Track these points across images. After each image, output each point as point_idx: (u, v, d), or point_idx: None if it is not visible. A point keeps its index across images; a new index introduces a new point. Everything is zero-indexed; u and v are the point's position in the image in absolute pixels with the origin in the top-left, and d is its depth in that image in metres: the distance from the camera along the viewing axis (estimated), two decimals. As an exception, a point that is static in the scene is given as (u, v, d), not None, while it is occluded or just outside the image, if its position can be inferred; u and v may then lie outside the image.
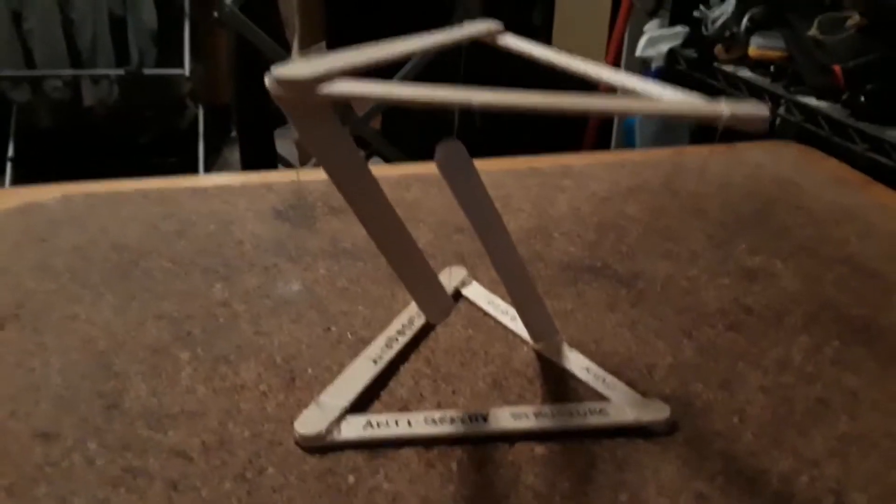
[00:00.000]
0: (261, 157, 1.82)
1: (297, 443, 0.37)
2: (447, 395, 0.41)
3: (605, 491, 0.35)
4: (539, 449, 0.38)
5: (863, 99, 1.12)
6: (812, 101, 1.22)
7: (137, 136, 2.51)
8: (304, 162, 1.87)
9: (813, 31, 1.20)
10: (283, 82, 0.28)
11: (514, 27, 0.40)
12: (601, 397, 0.41)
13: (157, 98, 2.47)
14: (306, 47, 1.64)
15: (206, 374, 0.42)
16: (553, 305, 0.50)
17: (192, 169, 2.27)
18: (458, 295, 0.51)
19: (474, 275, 0.53)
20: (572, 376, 0.43)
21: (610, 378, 0.42)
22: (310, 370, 0.43)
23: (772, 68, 1.33)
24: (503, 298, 0.49)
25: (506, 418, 0.39)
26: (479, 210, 0.39)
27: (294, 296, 0.50)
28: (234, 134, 2.42)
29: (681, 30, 1.58)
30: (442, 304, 0.40)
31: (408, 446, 0.37)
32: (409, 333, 0.46)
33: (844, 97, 1.15)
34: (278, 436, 0.38)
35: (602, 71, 0.35)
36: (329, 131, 0.32)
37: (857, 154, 1.11)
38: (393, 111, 1.87)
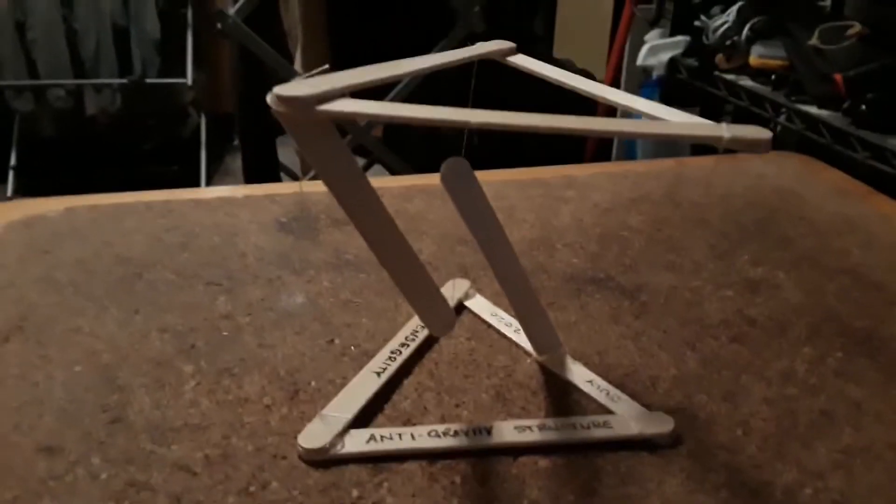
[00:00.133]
0: (263, 165, 1.83)
1: (300, 457, 0.37)
2: (451, 407, 0.41)
3: (609, 505, 0.35)
4: (543, 462, 0.38)
5: (864, 107, 1.12)
6: (813, 110, 1.22)
7: (140, 145, 2.52)
8: (306, 171, 1.88)
9: (814, 41, 1.20)
10: (284, 100, 0.29)
11: (515, 37, 0.40)
12: (605, 410, 0.41)
13: (159, 107, 2.47)
14: (309, 57, 1.65)
15: (210, 388, 0.42)
16: (556, 317, 0.50)
17: (194, 177, 2.28)
18: (461, 307, 0.51)
19: (478, 287, 0.53)
20: (576, 389, 0.43)
21: (613, 390, 0.42)
22: (313, 383, 0.43)
23: (773, 77, 1.34)
24: (506, 310, 0.49)
25: (509, 431, 0.39)
26: (483, 225, 0.39)
27: (297, 308, 0.50)
28: (236, 142, 2.42)
29: (682, 39, 1.59)
30: (444, 318, 0.40)
31: (411, 460, 0.37)
32: (413, 346, 0.46)
33: (845, 106, 1.15)
34: (282, 449, 0.38)
35: (608, 92, 0.35)
36: (329, 147, 0.32)
37: (858, 162, 1.11)
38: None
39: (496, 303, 0.51)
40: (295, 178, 1.91)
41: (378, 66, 0.33)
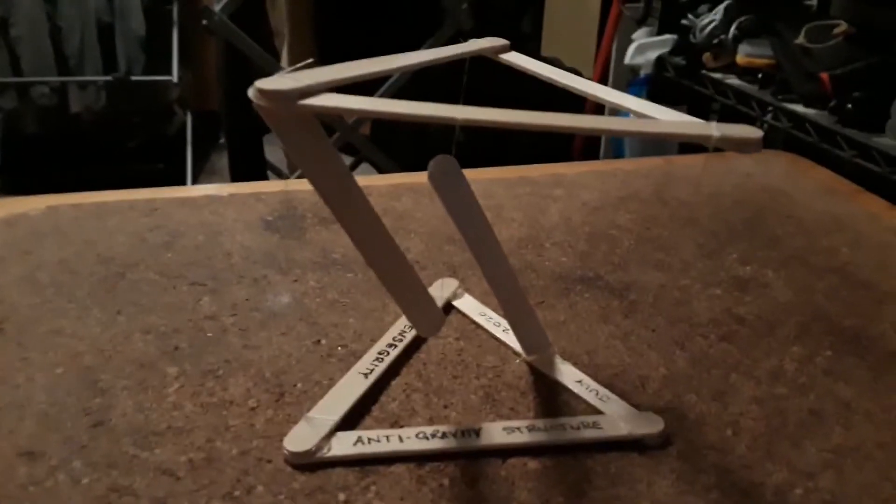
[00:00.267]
0: (249, 163, 1.81)
1: (286, 460, 0.37)
2: (439, 409, 0.41)
3: (599, 506, 0.35)
4: (532, 464, 0.37)
5: (850, 106, 1.12)
6: (800, 109, 1.23)
7: (125, 143, 2.50)
8: (293, 169, 1.87)
9: (800, 39, 1.21)
10: (265, 94, 0.28)
11: (503, 35, 0.39)
12: (594, 410, 0.41)
13: (144, 104, 2.46)
14: (295, 54, 1.64)
15: (194, 390, 0.41)
16: (545, 316, 0.49)
17: (180, 175, 2.26)
18: (449, 307, 0.50)
19: (466, 286, 0.52)
20: (565, 389, 0.43)
21: (603, 391, 0.42)
22: (299, 385, 0.42)
23: (759, 76, 1.34)
24: (495, 310, 0.49)
25: (498, 433, 0.39)
26: (471, 224, 0.38)
27: (283, 308, 0.49)
28: (222, 140, 2.41)
29: (669, 37, 1.59)
30: (432, 318, 0.39)
31: (399, 462, 0.37)
32: (401, 346, 0.45)
33: (832, 104, 1.16)
34: (267, 453, 0.37)
35: (597, 89, 0.34)
36: (313, 143, 0.31)
37: (844, 161, 1.11)
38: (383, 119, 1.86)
39: (485, 302, 0.50)
40: (282, 176, 1.90)
41: (365, 62, 0.32)
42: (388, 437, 0.38)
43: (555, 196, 0.68)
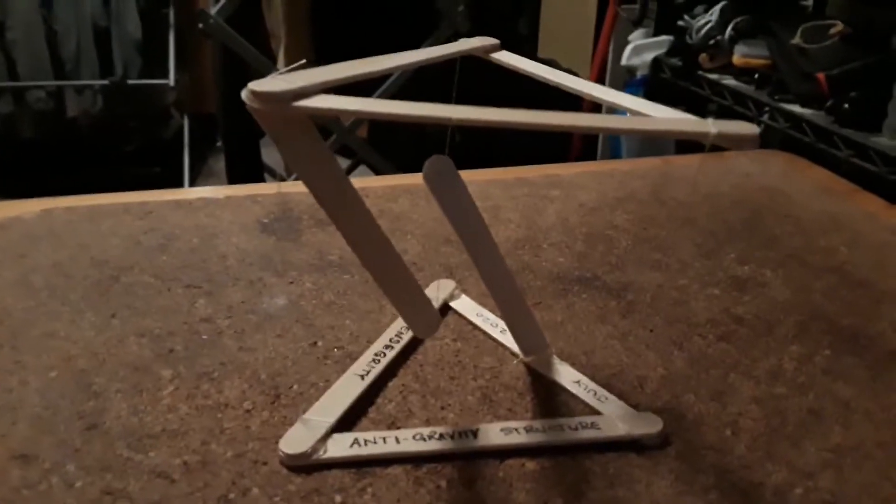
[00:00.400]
0: (246, 166, 1.81)
1: (282, 462, 0.36)
2: (436, 410, 0.41)
3: (597, 508, 0.35)
4: (530, 464, 0.37)
5: (846, 106, 1.12)
6: (796, 109, 1.23)
7: (122, 147, 2.49)
8: (290, 172, 1.86)
9: (796, 40, 1.21)
10: (258, 95, 0.28)
11: (499, 37, 0.39)
12: (592, 411, 0.41)
13: (141, 108, 2.45)
14: (292, 57, 1.64)
15: (189, 392, 0.41)
16: (543, 317, 0.49)
17: (177, 179, 2.26)
18: (446, 308, 0.50)
19: (463, 287, 0.52)
20: (563, 390, 0.42)
21: (601, 391, 0.42)
22: (295, 387, 0.42)
23: (756, 76, 1.34)
24: (492, 311, 0.49)
25: (496, 434, 0.38)
26: (468, 224, 0.38)
27: (279, 310, 0.49)
28: (219, 143, 2.40)
29: (665, 39, 1.59)
30: (428, 319, 0.39)
31: (396, 464, 0.37)
32: (398, 347, 0.45)
33: (828, 104, 1.16)
34: (263, 455, 0.37)
35: (593, 88, 0.34)
36: (308, 146, 0.31)
37: (841, 160, 1.11)
38: (380, 120, 1.86)
39: (482, 303, 0.50)
40: (279, 179, 1.89)
41: (358, 62, 0.32)
42: (384, 438, 0.38)
43: (552, 197, 0.68)
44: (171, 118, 2.49)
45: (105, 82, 2.32)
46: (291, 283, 0.52)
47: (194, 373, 0.43)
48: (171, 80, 2.29)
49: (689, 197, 0.68)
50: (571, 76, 0.36)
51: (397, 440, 0.38)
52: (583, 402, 0.41)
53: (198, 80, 2.47)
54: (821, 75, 1.15)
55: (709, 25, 1.44)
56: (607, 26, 1.82)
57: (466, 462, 0.37)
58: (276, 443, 0.37)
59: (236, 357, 0.44)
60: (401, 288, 0.37)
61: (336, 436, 0.38)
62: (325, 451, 0.37)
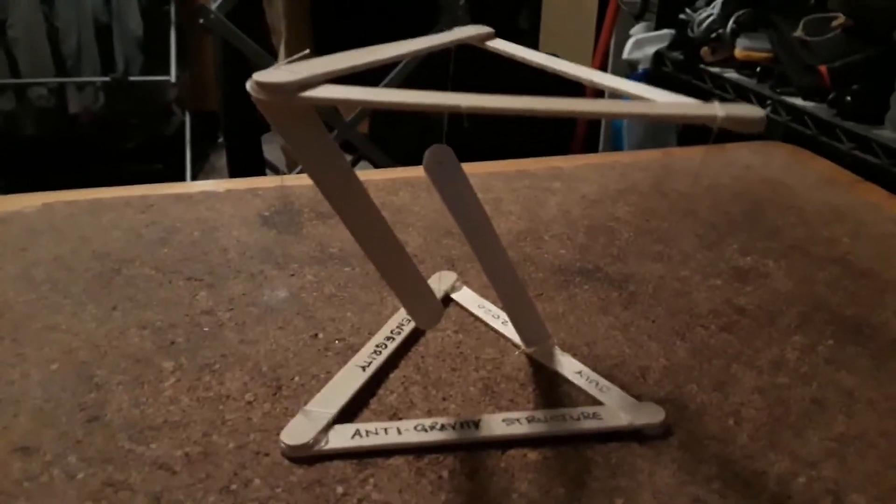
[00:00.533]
0: (248, 163, 1.81)
1: (283, 453, 0.36)
2: (437, 401, 0.40)
3: (599, 497, 0.35)
4: (532, 455, 0.37)
5: (849, 98, 1.12)
6: (798, 102, 1.22)
7: (123, 144, 2.49)
8: (291, 167, 1.86)
9: (798, 32, 1.20)
10: (263, 87, 0.28)
11: (500, 31, 0.39)
12: (594, 401, 0.41)
13: (142, 105, 2.45)
14: (292, 52, 1.64)
15: (190, 384, 0.41)
16: (544, 308, 0.49)
17: (178, 175, 2.26)
18: (448, 299, 0.50)
19: (465, 279, 0.52)
20: (565, 380, 0.42)
21: (603, 381, 0.42)
22: (297, 378, 0.42)
23: (758, 69, 1.34)
24: (494, 302, 0.49)
25: (498, 424, 0.38)
26: (469, 214, 0.38)
27: (280, 303, 0.49)
28: (220, 140, 2.40)
29: (667, 32, 1.58)
30: (431, 310, 0.39)
31: (397, 455, 0.37)
32: (399, 339, 0.45)
33: (830, 97, 1.15)
34: (264, 446, 0.37)
35: (593, 74, 0.34)
36: (312, 136, 0.31)
37: (843, 153, 1.11)
38: (381, 116, 1.86)
39: (483, 295, 0.50)
40: (281, 174, 1.89)
41: (357, 52, 0.32)
42: (386, 429, 0.37)
43: (553, 189, 0.68)
44: (173, 115, 2.49)
45: (106, 79, 2.31)
46: (292, 275, 0.52)
47: (196, 365, 0.43)
48: (173, 77, 2.29)
49: (691, 189, 0.68)
50: (569, 63, 0.36)
51: (399, 431, 0.37)
52: (585, 392, 0.41)
53: (199, 76, 2.46)
54: (823, 68, 1.15)
55: (710, 19, 1.43)
56: (608, 20, 1.81)
57: (468, 453, 0.37)
58: (278, 434, 0.37)
59: (237, 349, 0.44)
60: (404, 278, 0.37)
61: (337, 427, 0.38)
62: (326, 443, 0.37)
